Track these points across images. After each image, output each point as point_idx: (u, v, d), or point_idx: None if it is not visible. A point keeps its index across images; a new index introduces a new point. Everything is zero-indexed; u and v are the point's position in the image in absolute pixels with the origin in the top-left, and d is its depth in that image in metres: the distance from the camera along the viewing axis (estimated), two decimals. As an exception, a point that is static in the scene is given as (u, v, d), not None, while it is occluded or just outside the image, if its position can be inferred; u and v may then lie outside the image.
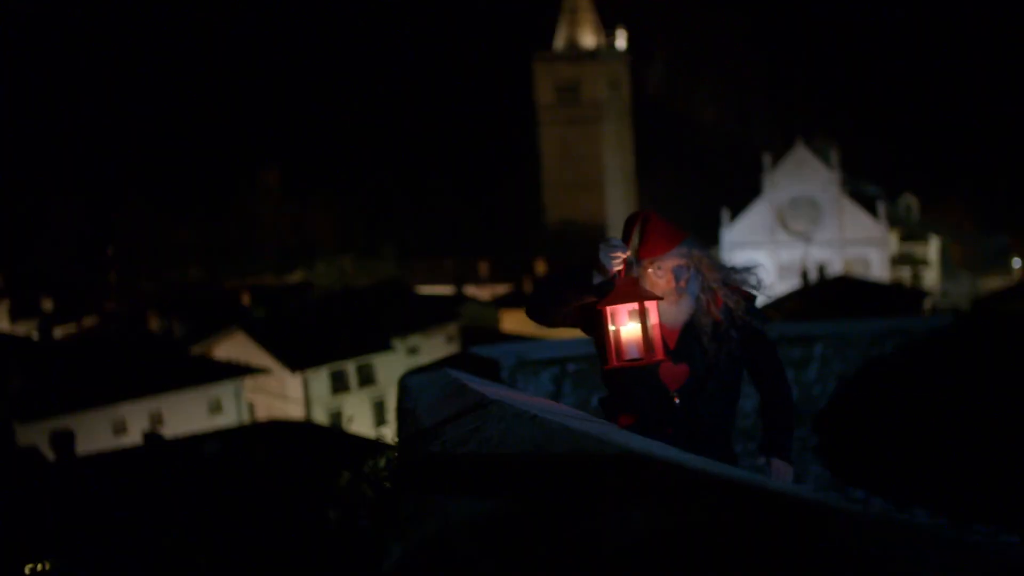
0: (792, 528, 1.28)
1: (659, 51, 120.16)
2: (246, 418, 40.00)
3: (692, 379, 3.78)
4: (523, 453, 1.85)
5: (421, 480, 1.90)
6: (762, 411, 3.87)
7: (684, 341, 3.79)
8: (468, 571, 1.32)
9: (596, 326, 3.70)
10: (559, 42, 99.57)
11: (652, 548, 1.25)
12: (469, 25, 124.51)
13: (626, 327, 3.56)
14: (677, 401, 3.77)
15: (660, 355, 3.59)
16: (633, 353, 3.55)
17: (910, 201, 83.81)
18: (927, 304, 49.10)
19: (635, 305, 3.56)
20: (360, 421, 43.35)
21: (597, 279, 3.62)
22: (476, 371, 4.38)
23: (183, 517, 14.47)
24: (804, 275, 56.19)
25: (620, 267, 3.59)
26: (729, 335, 3.75)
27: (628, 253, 3.61)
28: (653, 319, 3.60)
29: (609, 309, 3.59)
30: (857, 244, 75.27)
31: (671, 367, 3.76)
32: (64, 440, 25.93)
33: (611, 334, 3.57)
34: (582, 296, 3.69)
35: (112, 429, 35.26)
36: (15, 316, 60.87)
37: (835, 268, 69.96)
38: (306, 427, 31.90)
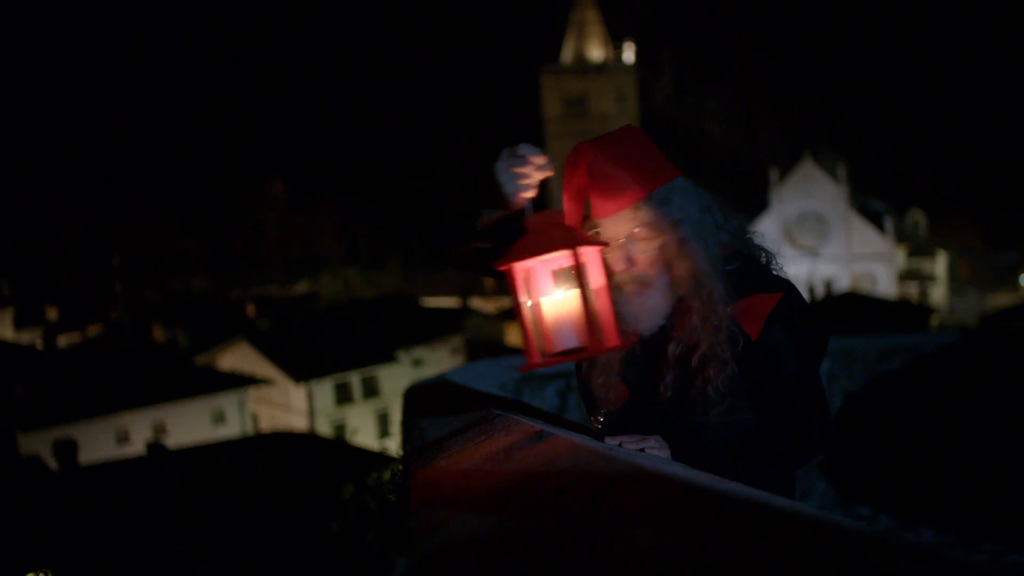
0: (804, 549, 1.26)
1: (667, 65, 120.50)
2: (250, 429, 40.00)
3: (632, 401, 2.43)
4: (528, 469, 1.83)
5: (426, 494, 1.88)
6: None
7: (650, 351, 2.39)
8: (473, 589, 1.30)
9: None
10: (567, 55, 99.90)
11: (658, 567, 1.22)
12: (477, 38, 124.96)
13: (551, 298, 2.18)
14: (601, 420, 2.48)
15: (616, 341, 2.21)
16: (569, 341, 2.15)
17: (918, 217, 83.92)
18: (934, 320, 49.06)
19: (564, 257, 2.16)
20: (364, 433, 43.36)
21: (490, 215, 2.34)
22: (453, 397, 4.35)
23: (185, 527, 14.45)
24: (811, 290, 56.25)
25: (532, 193, 2.31)
26: (725, 360, 2.28)
27: (543, 161, 2.28)
28: (597, 280, 2.23)
29: (517, 267, 2.18)
30: (864, 259, 75.31)
31: (608, 379, 2.46)
32: (67, 449, 25.92)
33: (525, 311, 2.18)
34: (469, 241, 2.39)
35: (115, 438, 35.28)
36: (20, 324, 61.01)
37: (842, 283, 70.00)
38: (310, 438, 31.89)
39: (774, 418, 2.33)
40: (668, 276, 2.32)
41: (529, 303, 2.20)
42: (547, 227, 2.17)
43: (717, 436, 2.33)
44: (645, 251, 2.30)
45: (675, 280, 2.32)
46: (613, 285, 2.31)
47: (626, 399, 2.42)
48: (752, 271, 2.35)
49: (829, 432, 2.35)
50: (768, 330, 2.27)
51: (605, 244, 2.27)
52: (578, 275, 2.13)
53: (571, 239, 2.14)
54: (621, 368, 2.43)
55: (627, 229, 2.29)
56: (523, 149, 2.26)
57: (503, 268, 2.19)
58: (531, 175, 2.27)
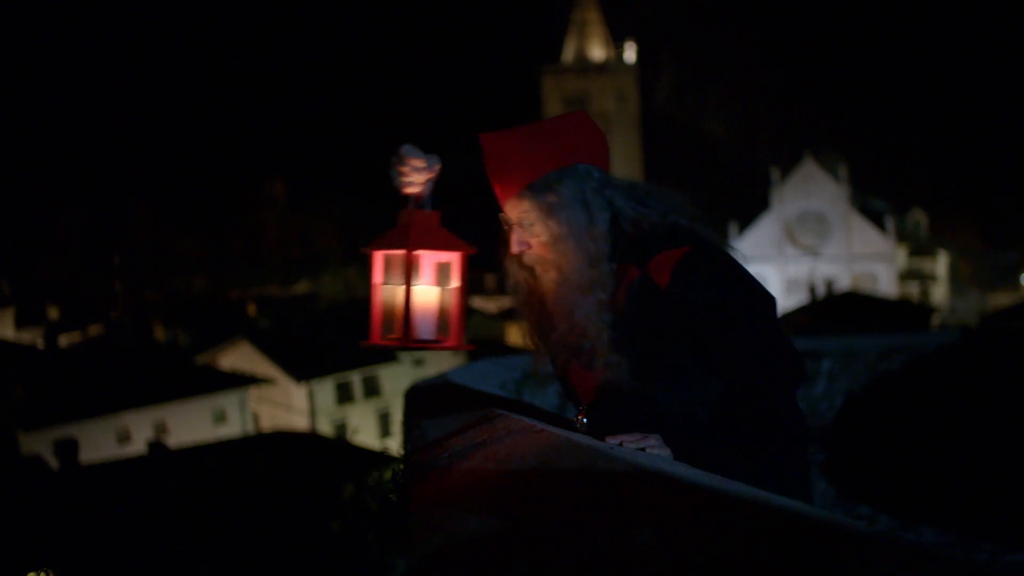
0: (804, 549, 1.26)
1: (668, 64, 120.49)
2: (250, 428, 39.99)
3: (603, 392, 2.40)
4: (530, 468, 1.83)
5: (426, 494, 1.88)
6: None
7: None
8: (474, 589, 1.30)
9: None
10: (568, 55, 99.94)
11: (659, 567, 1.23)
12: (478, 38, 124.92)
13: (392, 287, 2.37)
14: (584, 420, 2.44)
15: (455, 341, 2.39)
16: (393, 331, 2.37)
17: (919, 216, 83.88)
18: (935, 320, 49.04)
19: (404, 252, 2.34)
20: (365, 432, 43.35)
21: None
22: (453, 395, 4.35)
23: (186, 527, 14.46)
24: (812, 290, 56.13)
25: (415, 190, 2.42)
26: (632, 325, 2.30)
27: (420, 163, 2.40)
28: (454, 281, 2.40)
29: (377, 254, 2.39)
30: (865, 259, 75.27)
31: (580, 372, 2.44)
32: (68, 448, 25.92)
33: (377, 292, 2.38)
34: None
35: (116, 438, 35.25)
36: (21, 324, 60.92)
37: (843, 283, 69.94)
38: (311, 438, 31.88)
39: (725, 377, 2.31)
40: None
41: (377, 283, 2.39)
42: (405, 224, 2.36)
43: (685, 412, 2.33)
44: (536, 235, 2.38)
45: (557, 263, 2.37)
46: (527, 264, 2.44)
47: (594, 388, 2.43)
48: (666, 235, 2.32)
49: (781, 374, 2.29)
50: (678, 279, 2.26)
51: (472, 250, 2.39)
52: (407, 273, 2.30)
53: (405, 240, 2.31)
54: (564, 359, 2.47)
55: (516, 215, 2.40)
56: (403, 150, 2.39)
57: (367, 251, 2.39)
58: (408, 175, 2.39)
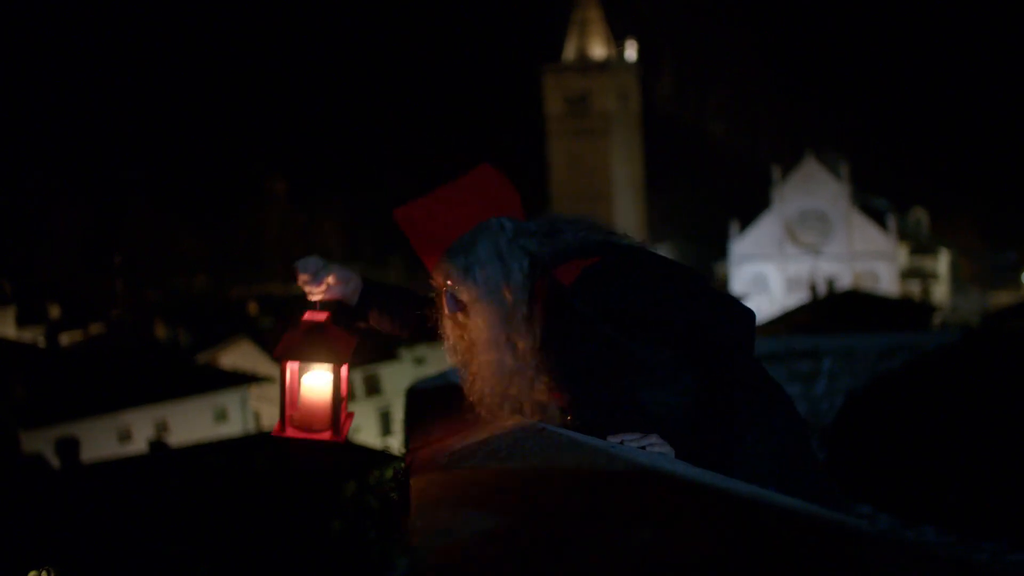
0: (806, 548, 1.26)
1: (669, 63, 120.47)
2: (252, 427, 39.96)
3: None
4: (531, 467, 1.83)
5: (427, 493, 1.88)
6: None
7: None
8: (475, 588, 1.30)
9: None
10: (569, 53, 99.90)
11: (660, 567, 1.22)
12: (479, 36, 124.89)
13: (308, 386, 2.51)
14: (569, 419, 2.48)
15: (328, 434, 2.58)
16: (311, 424, 2.56)
17: (920, 215, 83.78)
18: (936, 319, 49.00)
19: (323, 365, 2.46)
20: (366, 431, 43.36)
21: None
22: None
23: (187, 526, 14.46)
24: (813, 288, 56.11)
25: (317, 298, 2.56)
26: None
27: (305, 278, 2.56)
28: (331, 377, 2.48)
29: (284, 363, 2.48)
30: (866, 258, 75.24)
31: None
32: (69, 447, 25.92)
33: (287, 391, 2.51)
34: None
35: (117, 437, 35.24)
36: (22, 322, 60.88)
37: (844, 282, 69.89)
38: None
39: (682, 354, 2.32)
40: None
41: (289, 384, 2.50)
42: (314, 331, 2.45)
43: (667, 405, 2.33)
44: (462, 294, 2.44)
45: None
46: (462, 323, 2.51)
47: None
48: (578, 251, 2.36)
49: (727, 333, 2.28)
50: (597, 285, 2.31)
51: (346, 361, 2.43)
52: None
53: (328, 351, 2.41)
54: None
55: (441, 280, 2.49)
56: (295, 265, 2.53)
57: (277, 358, 2.48)
58: (303, 287, 2.53)
